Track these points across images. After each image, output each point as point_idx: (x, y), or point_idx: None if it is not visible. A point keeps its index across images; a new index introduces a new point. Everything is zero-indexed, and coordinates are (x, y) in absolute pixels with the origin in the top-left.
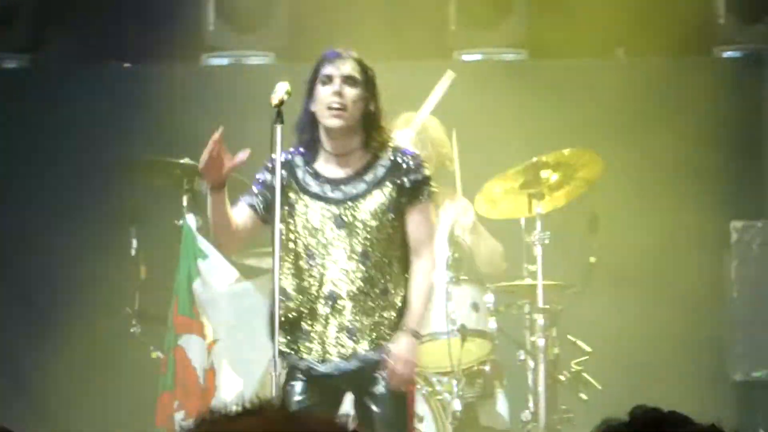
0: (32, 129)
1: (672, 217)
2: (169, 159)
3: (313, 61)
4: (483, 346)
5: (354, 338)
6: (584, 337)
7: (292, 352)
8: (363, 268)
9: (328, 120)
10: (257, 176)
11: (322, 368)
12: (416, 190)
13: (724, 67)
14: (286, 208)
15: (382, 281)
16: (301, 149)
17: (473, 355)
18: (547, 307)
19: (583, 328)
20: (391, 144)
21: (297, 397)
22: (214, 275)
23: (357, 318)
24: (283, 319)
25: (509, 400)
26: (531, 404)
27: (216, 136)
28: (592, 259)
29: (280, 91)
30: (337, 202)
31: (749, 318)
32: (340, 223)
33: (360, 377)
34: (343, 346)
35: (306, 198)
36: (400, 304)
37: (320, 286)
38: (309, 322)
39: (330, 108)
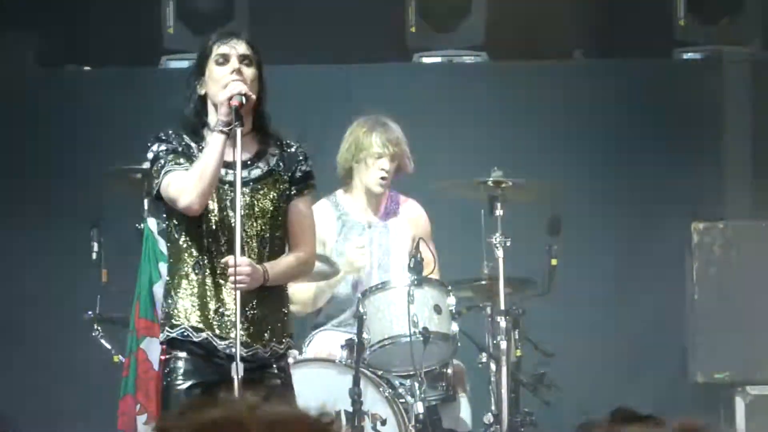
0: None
1: (633, 219)
2: (130, 165)
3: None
4: (445, 348)
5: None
6: (546, 339)
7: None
8: (265, 252)
9: (234, 99)
10: (163, 148)
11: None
12: (304, 181)
13: (684, 69)
14: None
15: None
16: (185, 135)
17: (435, 357)
18: (509, 309)
19: (546, 330)
20: (272, 131)
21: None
22: None
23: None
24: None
25: (472, 403)
26: (493, 407)
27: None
28: (554, 262)
29: (237, 93)
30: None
31: (711, 320)
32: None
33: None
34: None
35: None
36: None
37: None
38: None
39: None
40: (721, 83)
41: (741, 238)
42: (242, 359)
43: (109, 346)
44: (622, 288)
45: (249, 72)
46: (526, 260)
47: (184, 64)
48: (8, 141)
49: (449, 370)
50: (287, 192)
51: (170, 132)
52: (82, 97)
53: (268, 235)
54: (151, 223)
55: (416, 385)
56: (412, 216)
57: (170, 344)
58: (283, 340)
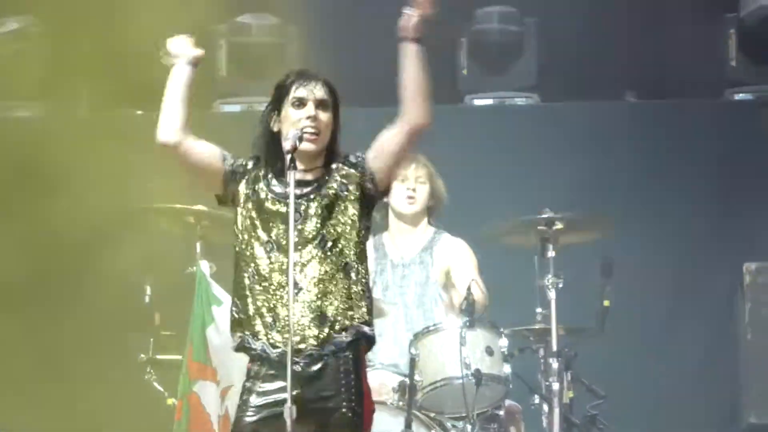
0: (43, 177)
1: (685, 260)
2: (183, 205)
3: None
4: (497, 390)
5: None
6: (599, 380)
7: None
8: (327, 255)
9: (304, 144)
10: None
11: None
12: (360, 156)
13: (736, 109)
14: (252, 204)
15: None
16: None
17: (487, 399)
18: (562, 350)
19: (598, 371)
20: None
21: None
22: (228, 321)
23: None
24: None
25: None
26: None
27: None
28: (607, 303)
29: (293, 138)
30: (306, 196)
31: (764, 360)
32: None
33: None
34: None
35: (270, 196)
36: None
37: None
38: None
39: (303, 131)
40: None
41: None
42: None
43: (161, 389)
44: (674, 329)
45: (324, 117)
46: (579, 302)
47: (237, 107)
48: (66, 182)
49: (501, 412)
50: (360, 188)
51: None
52: (134, 139)
53: (326, 236)
54: (204, 266)
55: (468, 427)
56: (447, 249)
57: None
58: None
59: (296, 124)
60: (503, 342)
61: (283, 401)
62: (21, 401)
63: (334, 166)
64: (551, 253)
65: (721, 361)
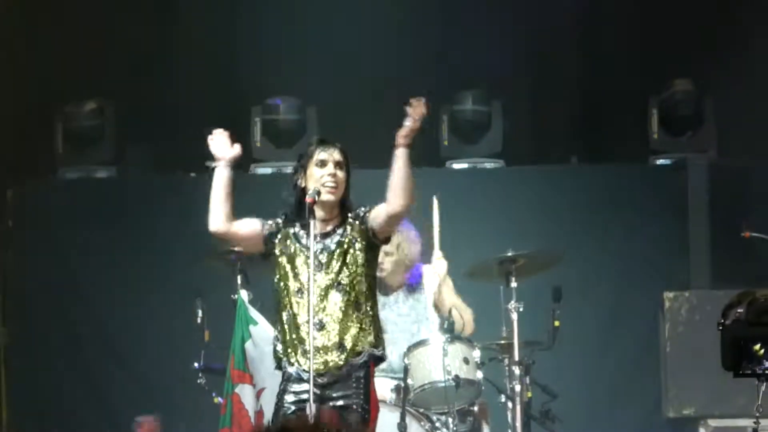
0: (118, 225)
1: (619, 289)
2: (226, 247)
3: None
4: (472, 391)
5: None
6: (552, 383)
7: None
8: (344, 296)
9: (325, 195)
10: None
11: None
12: (366, 210)
13: (657, 172)
14: (287, 254)
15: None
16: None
17: (465, 398)
18: (522, 360)
19: (551, 376)
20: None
21: None
22: (262, 337)
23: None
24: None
25: None
26: None
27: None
28: (557, 323)
29: (313, 192)
30: (323, 250)
31: (680, 367)
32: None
33: None
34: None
35: (298, 246)
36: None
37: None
38: None
39: (325, 185)
40: (686, 183)
41: (703, 304)
42: None
43: (210, 390)
44: (610, 343)
45: (341, 175)
46: (535, 321)
47: (269, 170)
48: (132, 232)
49: (476, 408)
50: (366, 240)
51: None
52: (189, 195)
53: (341, 280)
54: (243, 294)
55: (450, 420)
56: (430, 277)
57: None
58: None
59: (319, 180)
60: (477, 353)
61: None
62: (95, 398)
63: (348, 218)
64: (514, 284)
65: (646, 368)
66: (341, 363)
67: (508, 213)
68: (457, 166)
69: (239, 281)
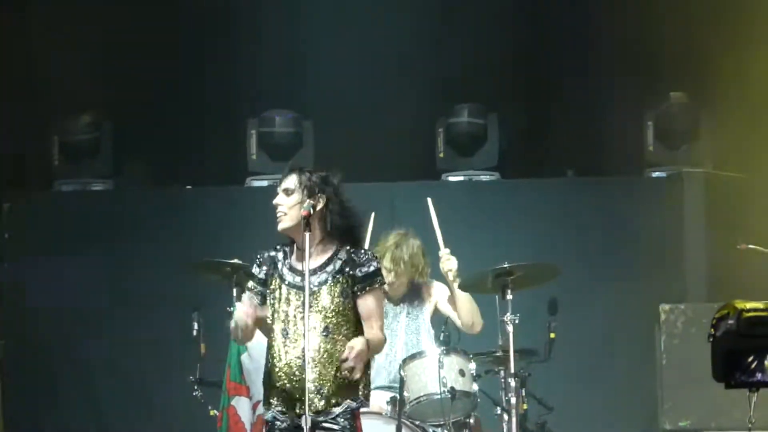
0: (114, 238)
1: (615, 301)
2: (222, 260)
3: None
4: (468, 403)
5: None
6: (547, 395)
7: None
8: (325, 341)
9: (278, 225)
10: (253, 271)
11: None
12: (367, 280)
13: (653, 184)
14: (272, 294)
15: (341, 351)
16: (285, 248)
17: (460, 411)
18: (518, 372)
19: (547, 388)
20: (347, 245)
21: None
22: (258, 350)
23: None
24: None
25: None
26: None
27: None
28: (553, 335)
29: (308, 205)
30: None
31: (675, 380)
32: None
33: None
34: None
35: (284, 286)
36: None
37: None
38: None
39: (276, 215)
40: (681, 195)
41: (699, 317)
42: None
43: (206, 403)
44: (606, 355)
45: (288, 201)
46: (531, 334)
47: (264, 183)
48: (127, 245)
49: (471, 420)
50: (351, 291)
51: (264, 253)
52: (186, 208)
53: (327, 325)
54: (239, 307)
55: None
56: (434, 292)
57: None
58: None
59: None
60: (472, 365)
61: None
62: (92, 410)
63: (340, 255)
64: (509, 296)
65: (642, 380)
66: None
67: (504, 225)
68: (452, 178)
69: (235, 294)
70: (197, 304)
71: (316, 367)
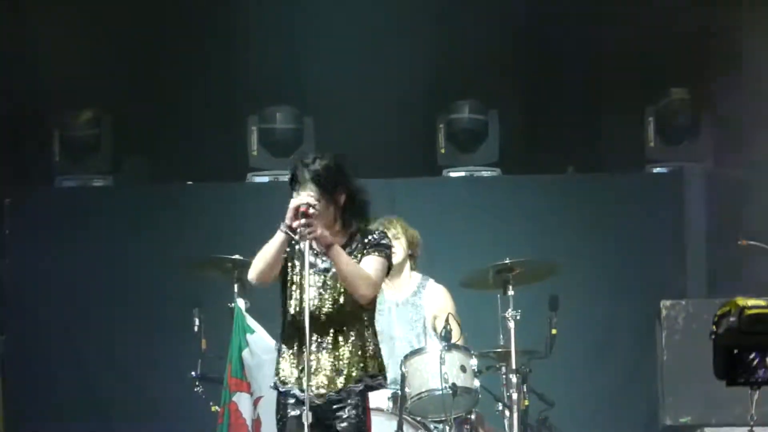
0: (115, 234)
1: (616, 298)
2: (223, 256)
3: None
4: (469, 399)
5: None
6: (548, 391)
7: None
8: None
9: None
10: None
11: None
12: (373, 246)
13: (654, 180)
14: (295, 272)
15: (356, 330)
16: None
17: (462, 407)
18: (519, 368)
19: (548, 384)
20: (363, 227)
21: None
22: (259, 346)
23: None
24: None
25: None
26: None
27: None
28: (554, 331)
29: (305, 203)
30: (325, 270)
31: (676, 376)
32: (326, 285)
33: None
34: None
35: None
36: (375, 348)
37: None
38: None
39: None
40: (682, 191)
41: (699, 312)
42: None
43: (207, 399)
44: (607, 351)
45: (314, 211)
46: (532, 330)
47: (265, 179)
48: (127, 240)
49: (473, 416)
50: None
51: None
52: (186, 204)
53: (337, 308)
54: (240, 302)
55: (447, 428)
56: (433, 296)
57: None
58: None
59: (295, 200)
60: (474, 361)
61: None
62: (93, 406)
63: (357, 237)
64: (511, 292)
65: (643, 376)
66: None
67: (505, 221)
68: (453, 174)
69: (236, 290)
70: (198, 300)
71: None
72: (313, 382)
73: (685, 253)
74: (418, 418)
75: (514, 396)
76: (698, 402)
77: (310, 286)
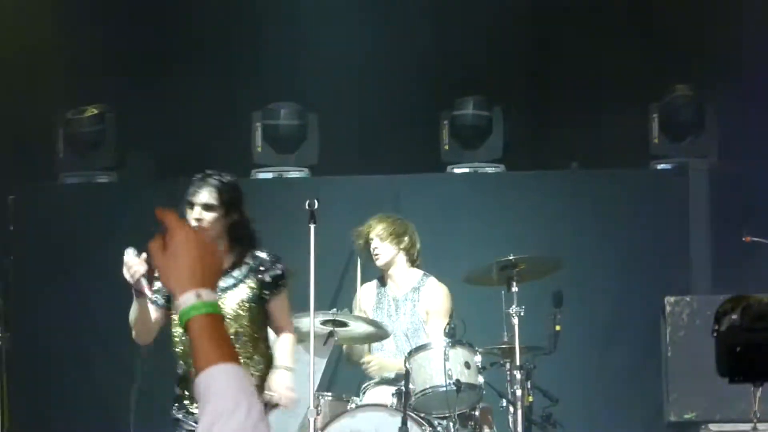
0: (119, 231)
1: (620, 293)
2: None
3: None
4: (473, 396)
5: None
6: (552, 388)
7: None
8: (236, 346)
9: None
10: (146, 292)
11: None
12: (274, 284)
13: (658, 177)
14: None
15: (250, 353)
16: None
17: (466, 403)
18: (523, 364)
19: (552, 381)
20: (253, 248)
21: None
22: None
23: None
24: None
25: None
26: None
27: (134, 260)
28: (558, 327)
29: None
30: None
31: (681, 372)
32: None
33: None
34: None
35: None
36: (264, 371)
37: None
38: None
39: None
40: (686, 187)
41: (704, 309)
42: None
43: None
44: (611, 347)
45: (209, 216)
46: (536, 326)
47: (269, 175)
48: (136, 235)
49: (477, 413)
50: (258, 295)
51: None
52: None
53: (240, 330)
54: None
55: (451, 425)
56: (430, 294)
57: None
58: None
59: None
60: (478, 358)
61: None
62: (97, 403)
63: (246, 259)
64: (515, 288)
65: (647, 373)
66: None
67: (509, 218)
68: (457, 170)
69: None
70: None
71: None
72: None
73: (689, 249)
74: (423, 415)
75: (518, 392)
76: (703, 398)
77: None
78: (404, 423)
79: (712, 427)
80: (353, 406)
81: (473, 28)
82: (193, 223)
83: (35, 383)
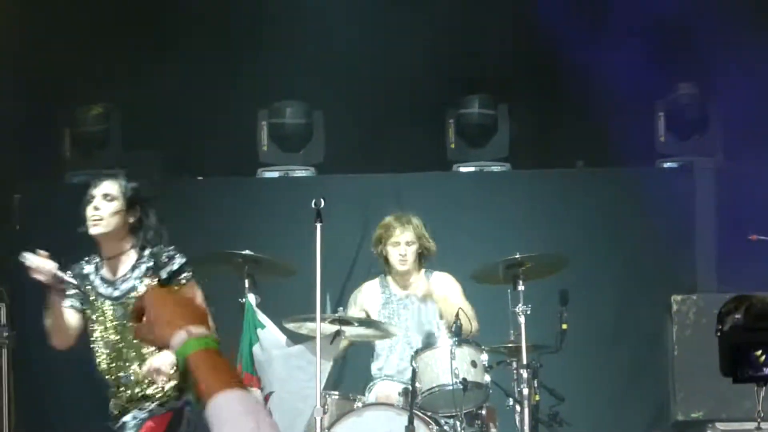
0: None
1: (626, 292)
2: (233, 251)
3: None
4: (480, 394)
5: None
6: (559, 386)
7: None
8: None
9: (91, 229)
10: (67, 280)
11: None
12: (171, 279)
13: (664, 175)
14: (93, 308)
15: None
16: (96, 260)
17: (472, 402)
18: (530, 363)
19: (558, 379)
20: (152, 246)
21: None
22: (270, 341)
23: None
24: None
25: None
26: None
27: (39, 259)
28: (564, 326)
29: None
30: (118, 299)
31: (687, 371)
32: (126, 315)
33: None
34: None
35: (100, 299)
36: None
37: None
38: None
39: (91, 219)
40: (692, 186)
41: (710, 307)
42: None
43: None
44: (617, 346)
45: (108, 206)
46: (543, 325)
47: (275, 174)
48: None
49: (483, 411)
50: None
51: (80, 262)
52: (196, 199)
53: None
54: (251, 298)
55: (458, 423)
56: (440, 282)
57: None
58: None
59: (87, 215)
60: (484, 357)
61: None
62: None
63: (143, 260)
64: (521, 287)
65: (653, 371)
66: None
67: (515, 216)
68: (463, 169)
69: (247, 285)
70: (208, 294)
71: (130, 366)
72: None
73: (695, 248)
74: (429, 413)
75: (525, 391)
76: (709, 397)
77: (112, 321)
78: (411, 422)
79: (719, 425)
80: (360, 404)
81: (479, 26)
82: (91, 213)
83: (42, 382)
